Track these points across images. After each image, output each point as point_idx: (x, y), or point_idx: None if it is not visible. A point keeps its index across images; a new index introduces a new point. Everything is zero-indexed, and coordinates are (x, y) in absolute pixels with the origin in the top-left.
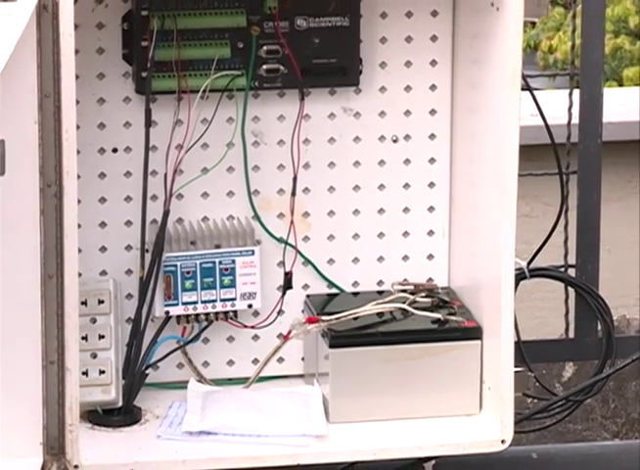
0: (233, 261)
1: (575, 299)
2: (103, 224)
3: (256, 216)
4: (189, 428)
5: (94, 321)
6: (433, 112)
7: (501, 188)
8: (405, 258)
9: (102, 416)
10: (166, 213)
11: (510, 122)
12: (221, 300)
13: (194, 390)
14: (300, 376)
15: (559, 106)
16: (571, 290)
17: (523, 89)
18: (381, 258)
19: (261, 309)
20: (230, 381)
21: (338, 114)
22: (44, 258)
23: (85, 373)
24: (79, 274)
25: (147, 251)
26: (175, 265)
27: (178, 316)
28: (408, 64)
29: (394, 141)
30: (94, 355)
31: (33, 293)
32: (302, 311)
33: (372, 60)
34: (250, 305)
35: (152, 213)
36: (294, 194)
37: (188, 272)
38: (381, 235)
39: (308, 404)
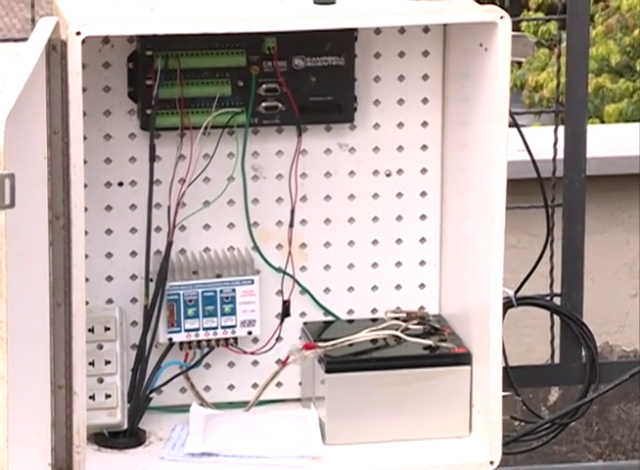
0: (233, 290)
1: (561, 326)
2: (109, 255)
3: (256, 247)
4: (191, 449)
5: (100, 347)
6: (424, 147)
7: (489, 220)
8: (398, 286)
9: (108, 438)
10: (170, 244)
11: (498, 158)
12: (222, 327)
13: (196, 413)
14: (298, 400)
15: (544, 142)
16: (556, 317)
17: (510, 126)
18: (375, 287)
19: (260, 336)
20: (230, 405)
21: (333, 149)
22: (53, 287)
23: (92, 397)
24: (86, 302)
25: (151, 280)
26: (178, 294)
27: (181, 343)
28: (401, 101)
29: (388, 175)
30: (100, 380)
31: (43, 320)
32: (300, 338)
33: (366, 97)
34: (249, 332)
35: (156, 244)
36: (291, 226)
37: (190, 300)
38: (375, 265)
39: (305, 427)
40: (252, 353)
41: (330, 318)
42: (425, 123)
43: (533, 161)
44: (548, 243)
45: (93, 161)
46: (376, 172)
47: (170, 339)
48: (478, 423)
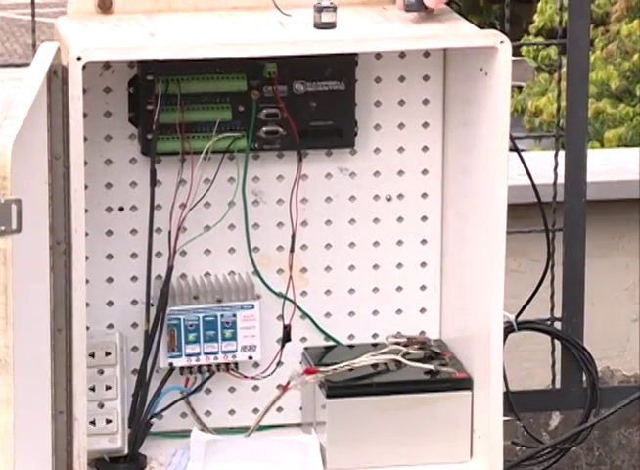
0: (234, 315)
1: (561, 351)
2: (110, 280)
3: (256, 272)
4: None
5: (101, 372)
6: (425, 172)
7: (490, 245)
8: (399, 311)
9: (108, 464)
10: (170, 269)
11: (498, 182)
12: (223, 352)
13: (197, 438)
14: (299, 425)
15: (545, 166)
16: (557, 342)
17: (510, 150)
18: (375, 312)
19: (261, 361)
20: (231, 430)
21: (334, 174)
22: (54, 312)
23: (93, 422)
24: (87, 327)
25: (152, 305)
26: (179, 319)
27: (182, 368)
28: (401, 126)
29: (388, 200)
30: (101, 405)
31: (43, 345)
32: (301, 363)
33: (367, 122)
34: (250, 357)
35: (156, 269)
36: (292, 250)
37: (191, 325)
38: (375, 290)
39: (306, 452)
40: (253, 378)
41: (331, 343)
42: (425, 148)
43: (534, 185)
44: (549, 267)
45: (94, 185)
46: (376, 197)
47: (171, 364)
48: (478, 448)
